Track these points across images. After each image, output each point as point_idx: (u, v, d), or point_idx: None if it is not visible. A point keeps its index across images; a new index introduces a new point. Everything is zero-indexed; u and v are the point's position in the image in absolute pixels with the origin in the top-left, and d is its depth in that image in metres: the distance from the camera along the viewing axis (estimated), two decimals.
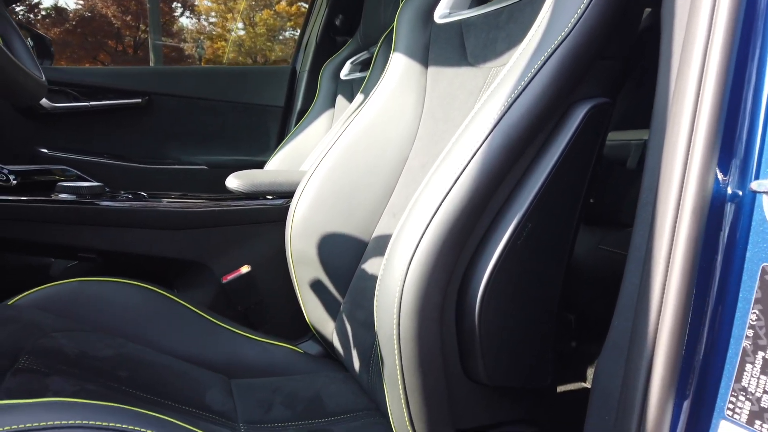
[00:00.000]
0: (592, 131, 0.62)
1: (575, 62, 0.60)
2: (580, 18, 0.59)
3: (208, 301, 1.11)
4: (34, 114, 1.82)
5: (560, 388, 1.36)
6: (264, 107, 2.11)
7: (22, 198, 1.01)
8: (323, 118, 1.90)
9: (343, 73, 1.93)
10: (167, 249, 1.08)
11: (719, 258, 0.44)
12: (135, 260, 1.09)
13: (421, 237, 0.58)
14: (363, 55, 1.84)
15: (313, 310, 1.07)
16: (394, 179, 1.04)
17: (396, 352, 0.59)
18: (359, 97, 1.41)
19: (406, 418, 0.61)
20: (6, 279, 1.53)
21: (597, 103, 0.62)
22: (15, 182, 1.06)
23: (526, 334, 0.63)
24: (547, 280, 0.64)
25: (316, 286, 1.06)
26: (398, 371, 0.60)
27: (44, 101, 1.83)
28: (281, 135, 2.13)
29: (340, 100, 1.91)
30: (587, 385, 1.33)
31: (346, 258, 1.03)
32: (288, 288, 1.12)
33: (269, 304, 1.14)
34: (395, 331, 0.59)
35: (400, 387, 0.60)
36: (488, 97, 0.66)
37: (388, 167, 1.04)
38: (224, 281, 1.09)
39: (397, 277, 0.59)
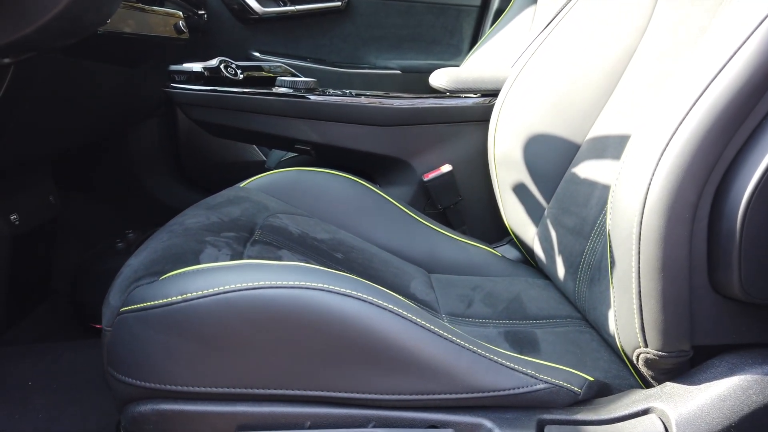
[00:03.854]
0: None
1: None
2: None
3: (409, 197, 1.13)
4: (247, 19, 1.95)
5: None
6: (459, 8, 2.02)
7: (252, 91, 1.09)
8: (523, 17, 1.77)
9: None
10: (373, 144, 1.11)
11: None
12: (343, 154, 1.14)
13: (681, 123, 0.50)
14: None
15: (514, 214, 1.04)
16: (618, 73, 0.92)
17: (634, 253, 0.54)
18: None
19: (637, 326, 0.57)
20: (215, 175, 1.73)
21: None
22: (242, 76, 1.15)
23: None
24: None
25: (519, 190, 1.02)
26: (633, 274, 0.55)
27: (255, 5, 1.95)
28: (475, 37, 2.04)
29: None
30: None
31: (555, 160, 0.97)
32: (488, 190, 1.09)
33: (468, 205, 1.13)
34: (635, 230, 0.53)
35: (634, 292, 0.55)
36: None
37: (611, 60, 0.93)
38: (425, 179, 1.09)
39: (645, 169, 0.52)
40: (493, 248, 1.07)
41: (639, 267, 0.54)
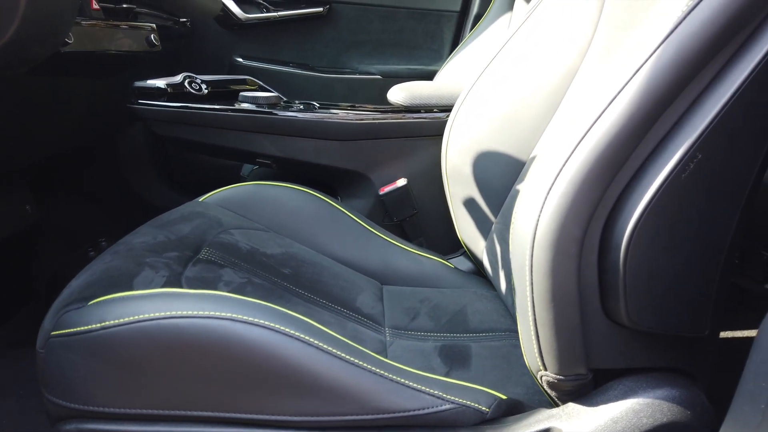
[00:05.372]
0: None
1: None
2: None
3: (367, 210, 1.16)
4: (231, 26, 1.98)
5: (740, 334, 1.21)
6: (439, 13, 2.04)
7: (212, 107, 1.12)
8: (499, 24, 1.79)
9: None
10: (332, 158, 1.14)
11: None
12: (305, 167, 1.17)
13: (565, 163, 0.53)
14: None
15: (465, 227, 1.06)
16: (560, 95, 0.95)
17: (528, 284, 0.57)
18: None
19: (536, 350, 0.60)
20: (203, 178, 1.76)
21: None
22: (207, 91, 1.19)
23: (681, 278, 0.56)
24: (715, 220, 0.55)
25: (469, 204, 1.04)
26: (529, 304, 0.58)
27: (238, 12, 1.98)
28: (455, 42, 2.06)
29: (519, 2, 1.77)
30: None
31: (502, 177, 1.00)
32: (443, 203, 1.12)
33: (424, 217, 1.16)
34: (528, 263, 0.56)
35: (531, 319, 0.58)
36: None
37: (554, 81, 0.95)
38: (381, 193, 1.12)
39: (534, 206, 0.55)
40: (447, 260, 1.10)
41: (533, 297, 0.57)
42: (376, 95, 1.98)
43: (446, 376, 0.76)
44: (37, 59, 0.78)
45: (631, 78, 0.51)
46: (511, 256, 0.61)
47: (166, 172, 1.91)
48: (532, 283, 0.56)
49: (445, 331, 0.89)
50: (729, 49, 0.50)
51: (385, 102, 1.28)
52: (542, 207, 0.54)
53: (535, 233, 0.55)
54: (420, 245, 1.11)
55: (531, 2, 1.24)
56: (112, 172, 1.79)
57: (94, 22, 1.13)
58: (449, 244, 1.16)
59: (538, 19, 1.03)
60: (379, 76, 2.03)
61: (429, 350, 0.84)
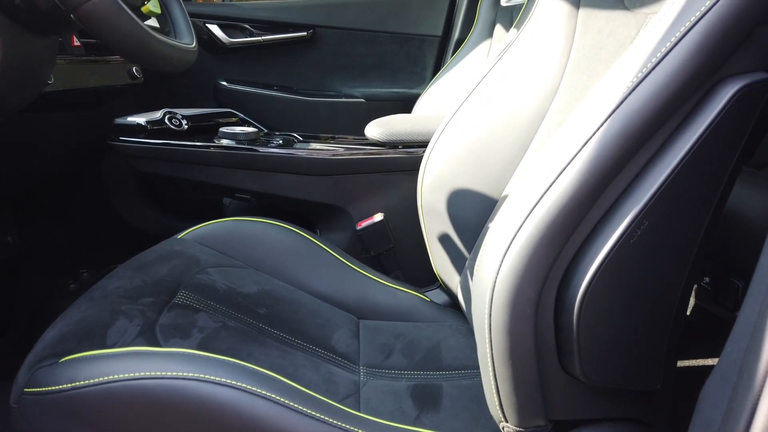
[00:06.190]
0: (741, 116, 0.51)
1: (729, 28, 0.50)
2: None
3: (345, 244, 1.18)
4: (216, 49, 2.00)
5: (711, 362, 1.24)
6: (422, 37, 2.07)
7: (192, 143, 1.14)
8: (480, 49, 1.82)
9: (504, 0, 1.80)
10: (310, 193, 1.16)
11: None
12: (284, 202, 1.19)
13: (519, 229, 0.55)
14: None
15: (441, 262, 1.09)
16: (531, 134, 0.97)
17: (487, 341, 0.59)
18: (512, 32, 1.32)
19: (497, 404, 0.62)
20: (188, 202, 1.77)
21: (752, 80, 0.51)
22: (187, 127, 1.20)
23: (632, 337, 0.58)
24: (664, 280, 0.57)
25: (444, 239, 1.06)
26: (489, 359, 0.60)
27: (222, 36, 2.00)
28: (437, 66, 2.09)
29: (499, 29, 1.80)
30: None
31: (475, 214, 1.02)
32: (419, 237, 1.14)
33: (400, 251, 1.18)
34: (486, 321, 0.58)
35: (491, 375, 0.60)
36: (616, 66, 0.58)
37: (525, 121, 0.98)
38: (358, 228, 1.14)
39: (491, 269, 0.57)
40: (424, 292, 1.12)
41: (492, 353, 0.59)
42: (359, 118, 2.00)
43: (416, 419, 0.77)
44: (15, 109, 0.80)
45: (581, 149, 0.54)
46: (472, 313, 0.63)
47: (151, 196, 1.91)
48: (491, 341, 0.58)
49: (418, 369, 0.91)
50: (671, 124, 0.52)
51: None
52: (498, 269, 0.56)
53: (492, 294, 0.57)
54: (397, 278, 1.12)
55: (509, 32, 1.27)
56: (96, 198, 1.80)
57: (75, 59, 1.15)
58: (426, 277, 1.18)
59: (512, 57, 1.05)
60: (363, 99, 2.05)
61: (401, 391, 0.85)
